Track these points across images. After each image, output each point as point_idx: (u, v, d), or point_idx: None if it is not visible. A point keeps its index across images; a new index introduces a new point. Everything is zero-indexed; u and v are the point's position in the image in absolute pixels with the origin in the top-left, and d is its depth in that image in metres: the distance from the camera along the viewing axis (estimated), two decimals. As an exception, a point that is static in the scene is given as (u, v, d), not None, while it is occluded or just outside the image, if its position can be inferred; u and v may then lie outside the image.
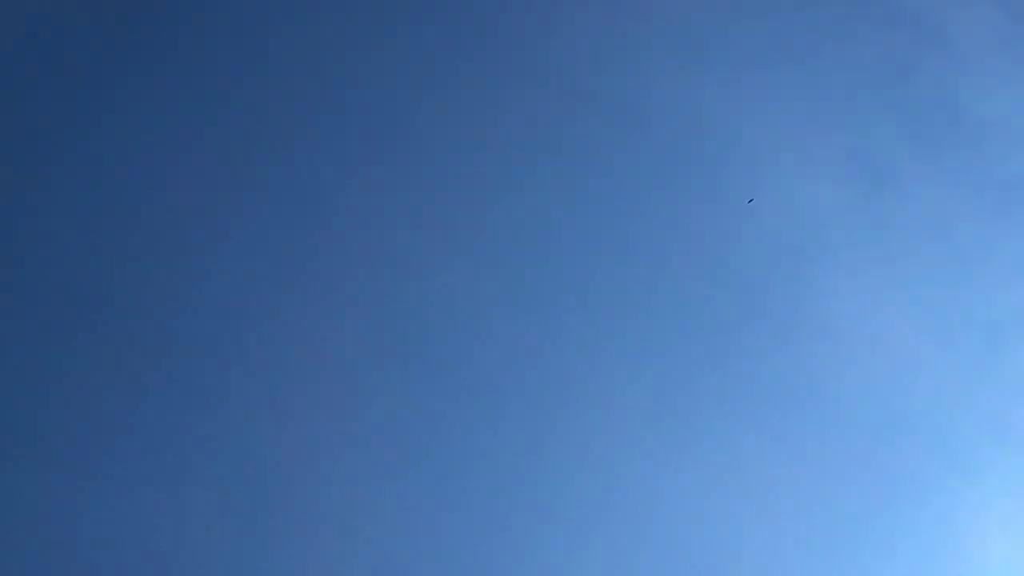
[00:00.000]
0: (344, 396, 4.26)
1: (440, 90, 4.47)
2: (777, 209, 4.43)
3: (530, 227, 4.41)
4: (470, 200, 4.44)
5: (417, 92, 4.47)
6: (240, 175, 4.31)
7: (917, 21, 4.45)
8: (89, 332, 4.21)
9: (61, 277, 4.22)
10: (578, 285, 4.39)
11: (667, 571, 4.29)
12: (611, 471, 4.32)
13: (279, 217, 4.35)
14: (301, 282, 4.33)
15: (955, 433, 4.37)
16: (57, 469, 4.14)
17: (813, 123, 4.47)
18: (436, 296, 4.34)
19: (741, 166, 4.46)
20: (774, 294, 4.43)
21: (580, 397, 4.34)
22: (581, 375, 4.34)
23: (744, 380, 4.37)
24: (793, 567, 4.30)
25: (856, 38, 4.47)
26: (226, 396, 4.22)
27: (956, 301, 4.42)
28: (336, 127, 4.46)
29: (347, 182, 4.39)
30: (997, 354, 4.39)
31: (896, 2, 4.47)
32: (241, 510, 4.15)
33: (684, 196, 4.46)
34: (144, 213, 4.30)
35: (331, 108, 4.46)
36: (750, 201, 4.25)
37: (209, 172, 4.32)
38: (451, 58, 4.49)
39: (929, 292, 4.43)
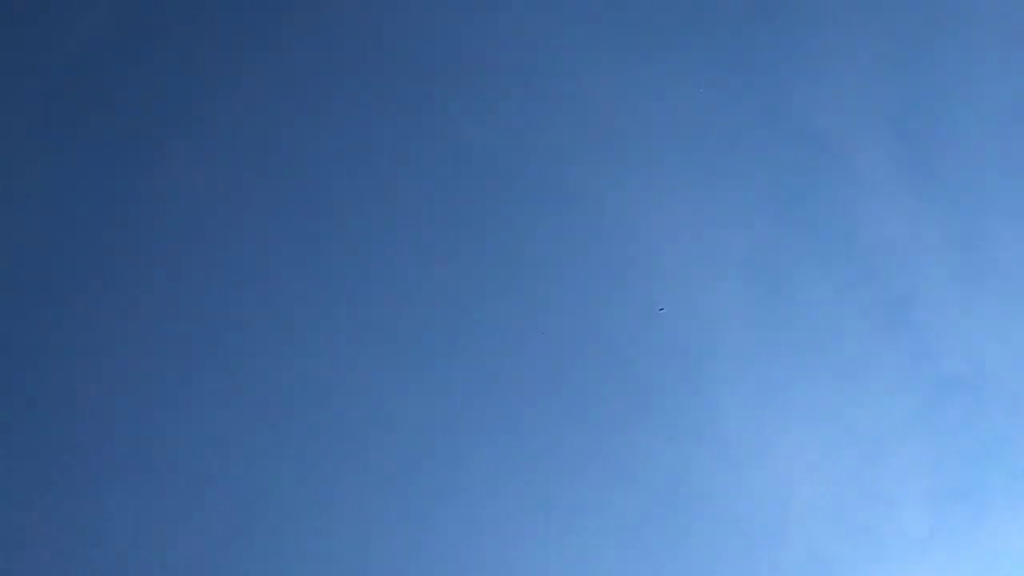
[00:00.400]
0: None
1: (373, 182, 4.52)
2: (676, 307, 4.52)
3: (434, 317, 4.44)
4: (375, 287, 4.46)
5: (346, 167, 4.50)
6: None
7: (823, 141, 4.62)
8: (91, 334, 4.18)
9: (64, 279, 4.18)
10: (479, 374, 4.42)
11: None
12: (498, 558, 4.32)
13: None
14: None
15: (829, 543, 4.46)
16: (55, 469, 4.08)
17: (717, 227, 4.59)
18: (343, 389, 4.35)
19: (645, 261, 4.56)
20: (667, 392, 4.50)
21: (472, 481, 4.35)
22: (475, 460, 4.36)
23: (631, 474, 4.42)
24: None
25: (766, 150, 4.62)
26: (224, 401, 4.21)
27: (838, 414, 4.54)
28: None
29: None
30: (874, 469, 4.50)
31: (804, 121, 4.63)
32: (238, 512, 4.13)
33: (588, 288, 4.53)
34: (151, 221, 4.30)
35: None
36: (661, 310, 4.35)
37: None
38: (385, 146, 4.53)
39: (813, 403, 4.54)
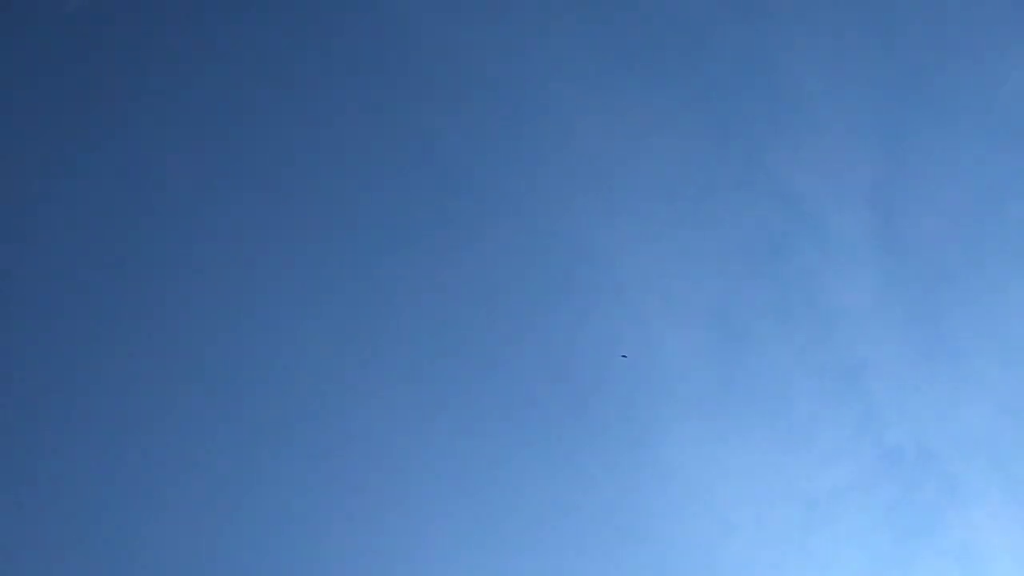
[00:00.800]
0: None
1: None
2: (636, 348, 4.55)
3: (398, 336, 4.44)
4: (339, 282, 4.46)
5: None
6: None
7: (798, 203, 4.69)
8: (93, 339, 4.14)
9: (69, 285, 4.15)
10: (436, 398, 4.43)
11: None
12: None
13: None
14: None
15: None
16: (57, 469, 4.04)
17: (685, 274, 4.64)
18: (298, 387, 4.35)
19: (610, 299, 4.59)
20: (616, 429, 4.52)
21: (418, 499, 4.36)
22: (423, 479, 4.37)
23: (573, 504, 4.44)
24: None
25: (740, 205, 4.68)
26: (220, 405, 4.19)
27: (780, 471, 4.59)
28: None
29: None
30: (810, 531, 4.55)
31: (781, 181, 4.70)
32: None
33: (552, 321, 4.56)
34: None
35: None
36: (623, 356, 4.39)
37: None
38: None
39: (757, 457, 4.59)
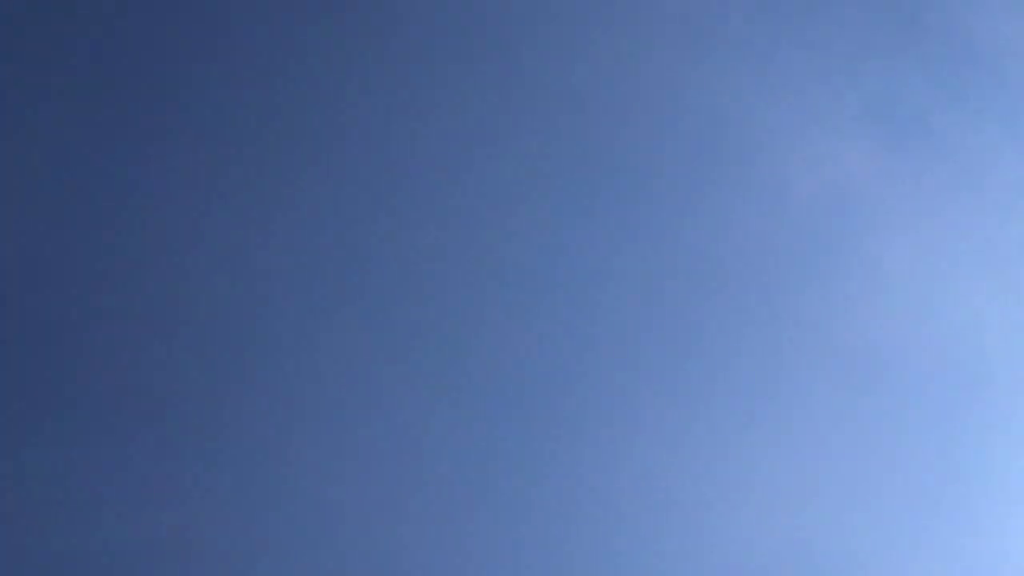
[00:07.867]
0: (344, 401, 4.02)
1: (441, 90, 4.23)
2: (806, 182, 4.20)
3: (538, 236, 4.17)
4: (477, 206, 4.20)
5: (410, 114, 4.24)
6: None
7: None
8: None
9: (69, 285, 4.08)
10: (590, 290, 4.14)
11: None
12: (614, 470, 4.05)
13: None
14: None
15: None
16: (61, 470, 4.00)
17: (825, 85, 4.25)
18: (431, 299, 4.09)
19: (762, 145, 4.23)
20: (822, 262, 4.19)
21: (580, 397, 4.08)
22: (581, 376, 4.06)
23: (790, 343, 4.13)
24: None
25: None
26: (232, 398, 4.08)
27: (1008, 237, 4.21)
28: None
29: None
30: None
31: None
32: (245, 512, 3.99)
33: (709, 186, 4.22)
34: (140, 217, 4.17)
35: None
36: None
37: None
38: (453, 63, 4.25)
39: (977, 238, 4.21)
